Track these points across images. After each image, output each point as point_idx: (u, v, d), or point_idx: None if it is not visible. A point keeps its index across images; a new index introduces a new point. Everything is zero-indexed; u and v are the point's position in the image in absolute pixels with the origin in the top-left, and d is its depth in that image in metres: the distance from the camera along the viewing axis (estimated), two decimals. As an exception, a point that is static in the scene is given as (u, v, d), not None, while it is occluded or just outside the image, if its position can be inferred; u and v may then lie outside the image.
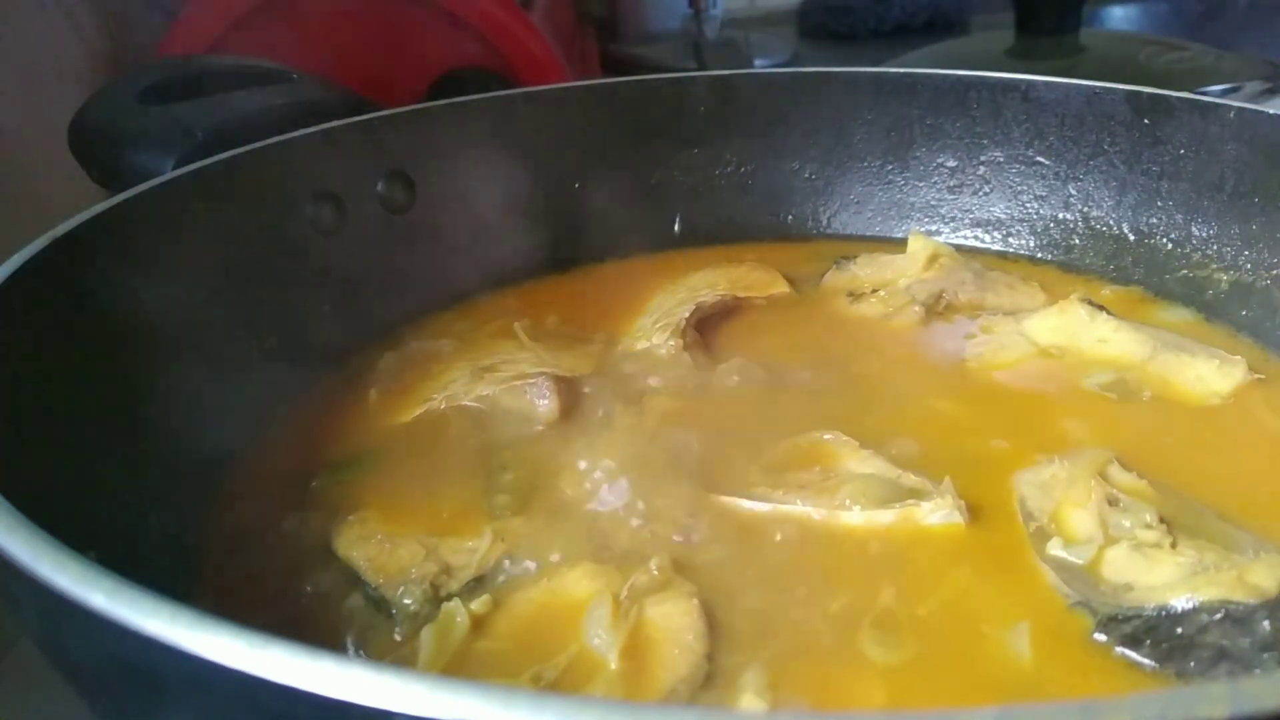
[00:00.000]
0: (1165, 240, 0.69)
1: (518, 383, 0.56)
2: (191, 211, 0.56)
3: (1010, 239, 0.76)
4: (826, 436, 0.51)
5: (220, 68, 0.74)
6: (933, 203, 0.78)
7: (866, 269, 0.71)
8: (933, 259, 0.70)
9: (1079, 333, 0.61)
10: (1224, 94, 0.98)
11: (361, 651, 0.41)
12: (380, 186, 0.69)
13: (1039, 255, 0.75)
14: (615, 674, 0.38)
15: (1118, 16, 1.82)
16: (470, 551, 0.45)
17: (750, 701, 0.36)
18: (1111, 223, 0.71)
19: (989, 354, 0.61)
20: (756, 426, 0.54)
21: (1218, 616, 0.38)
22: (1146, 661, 0.38)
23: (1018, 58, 1.18)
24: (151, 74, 0.67)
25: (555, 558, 0.45)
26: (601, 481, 0.49)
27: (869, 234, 0.79)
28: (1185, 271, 0.67)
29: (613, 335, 0.65)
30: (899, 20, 1.76)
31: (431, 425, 0.56)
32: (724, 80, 0.80)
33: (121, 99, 0.64)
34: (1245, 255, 0.64)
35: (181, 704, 0.26)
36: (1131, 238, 0.70)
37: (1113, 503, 0.44)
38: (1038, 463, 0.49)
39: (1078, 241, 0.73)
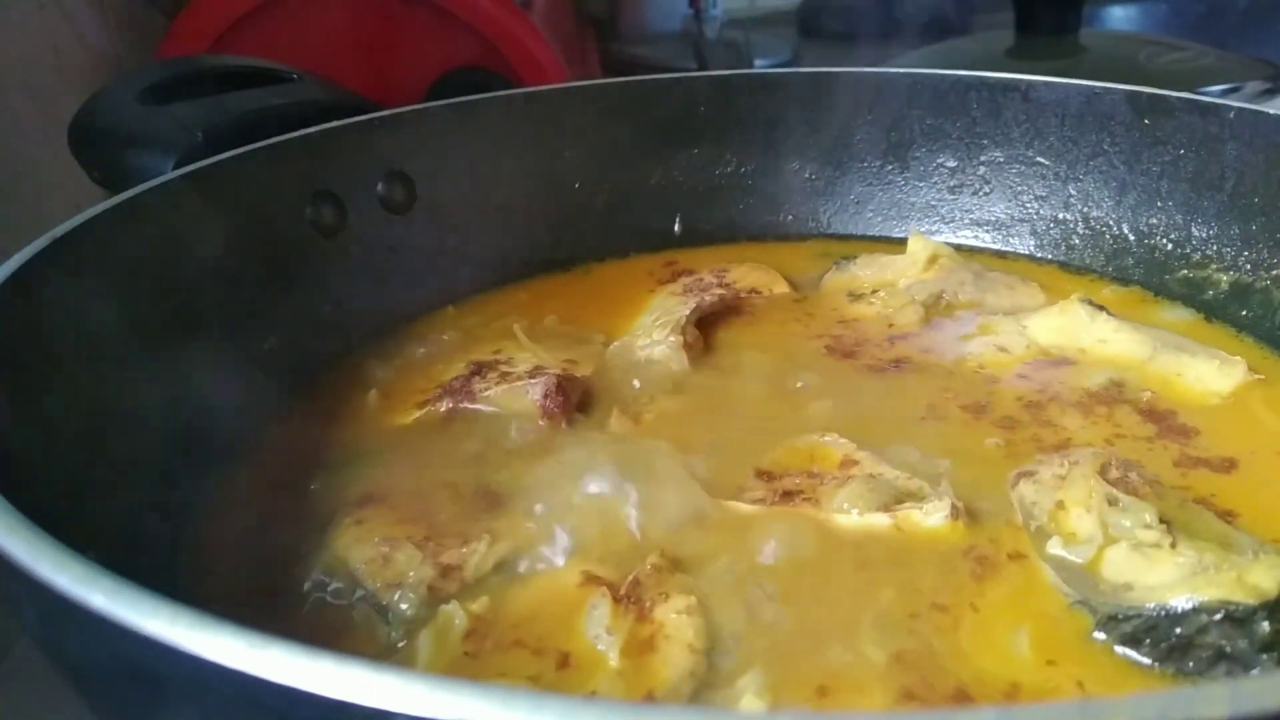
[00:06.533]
0: (1165, 240, 0.69)
1: (518, 383, 0.56)
2: (191, 211, 0.56)
3: (1010, 239, 0.76)
4: (824, 438, 0.52)
5: (220, 68, 0.74)
6: (933, 203, 0.78)
7: (866, 269, 0.71)
8: (933, 259, 0.70)
9: (1079, 333, 0.61)
10: (1224, 94, 0.98)
11: (360, 653, 0.41)
12: (380, 186, 0.69)
13: (1039, 255, 0.75)
14: (615, 672, 0.38)
15: (1118, 16, 1.82)
16: (468, 553, 0.45)
17: (750, 702, 0.36)
18: (1111, 223, 0.71)
19: (989, 354, 0.61)
20: (755, 427, 0.54)
21: (1217, 617, 0.38)
22: (1146, 660, 0.38)
23: (1018, 58, 1.18)
24: (151, 74, 0.67)
25: (553, 557, 0.45)
26: (600, 481, 0.49)
27: (869, 234, 0.79)
28: (1185, 271, 0.67)
29: (612, 334, 0.65)
30: (899, 20, 1.76)
31: (431, 426, 0.56)
32: (724, 80, 0.80)
33: (121, 99, 0.64)
34: (1245, 255, 0.64)
35: (181, 704, 0.26)
36: (1131, 238, 0.70)
37: (1113, 503, 0.44)
38: (1036, 463, 0.49)
39: (1078, 241, 0.73)
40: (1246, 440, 0.52)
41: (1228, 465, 0.50)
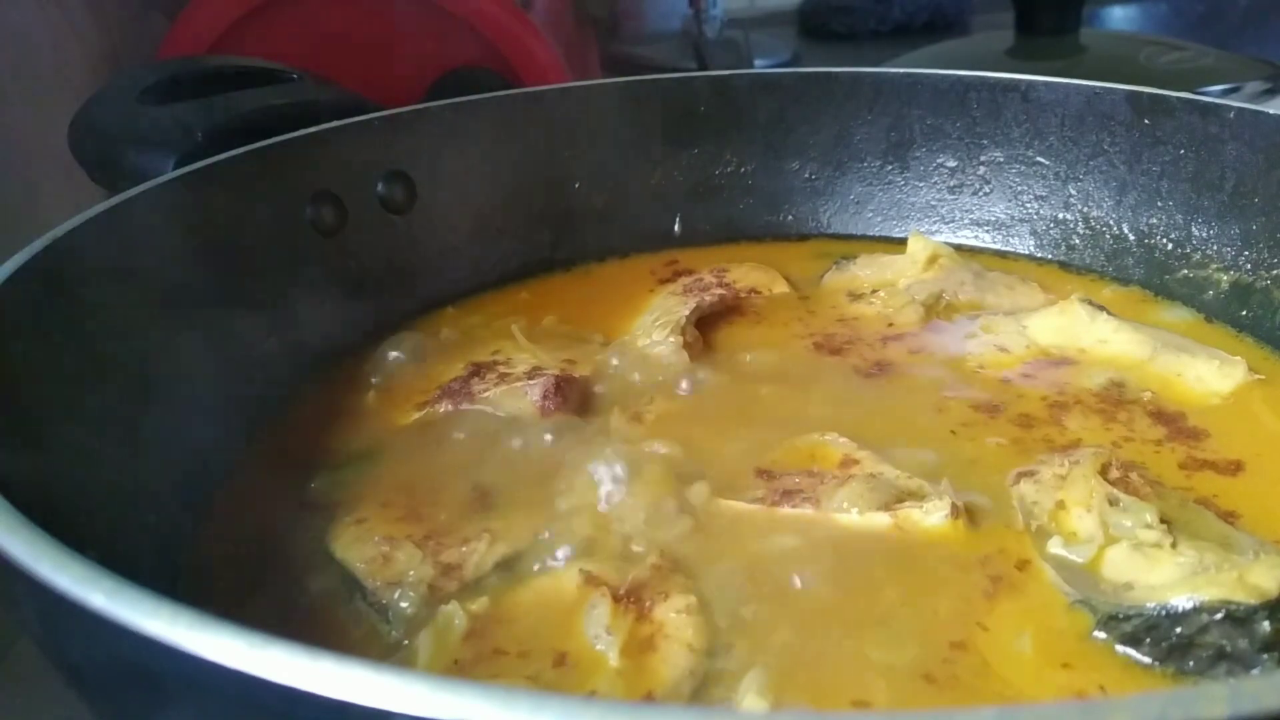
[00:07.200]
0: (1165, 240, 0.69)
1: (516, 384, 0.56)
2: (191, 212, 0.56)
3: (1010, 239, 0.76)
4: (825, 438, 0.52)
5: (220, 68, 0.74)
6: (933, 203, 0.78)
7: (866, 269, 0.71)
8: (932, 259, 0.70)
9: (1079, 333, 0.61)
10: (1224, 94, 0.98)
11: (361, 653, 0.41)
12: (380, 186, 0.69)
13: (1039, 255, 0.75)
14: (615, 672, 0.38)
15: (1118, 16, 1.83)
16: (468, 552, 0.45)
17: (753, 701, 0.36)
18: (1111, 223, 0.71)
19: (989, 354, 0.61)
20: (755, 427, 0.54)
21: (1218, 617, 0.38)
22: (1146, 660, 0.38)
23: (1018, 58, 1.18)
24: (151, 74, 0.67)
25: (553, 557, 0.45)
26: (600, 481, 0.49)
27: (869, 234, 0.79)
28: (1185, 271, 0.67)
29: (612, 335, 0.65)
30: (899, 20, 1.76)
31: (430, 426, 0.56)
32: (724, 80, 0.80)
33: (121, 99, 0.64)
34: (1245, 255, 0.64)
35: (181, 704, 0.26)
36: (1131, 238, 0.70)
37: (1113, 502, 0.44)
38: (1038, 462, 0.49)
39: (1078, 241, 0.73)
40: (1253, 442, 0.52)
41: (1234, 468, 0.50)
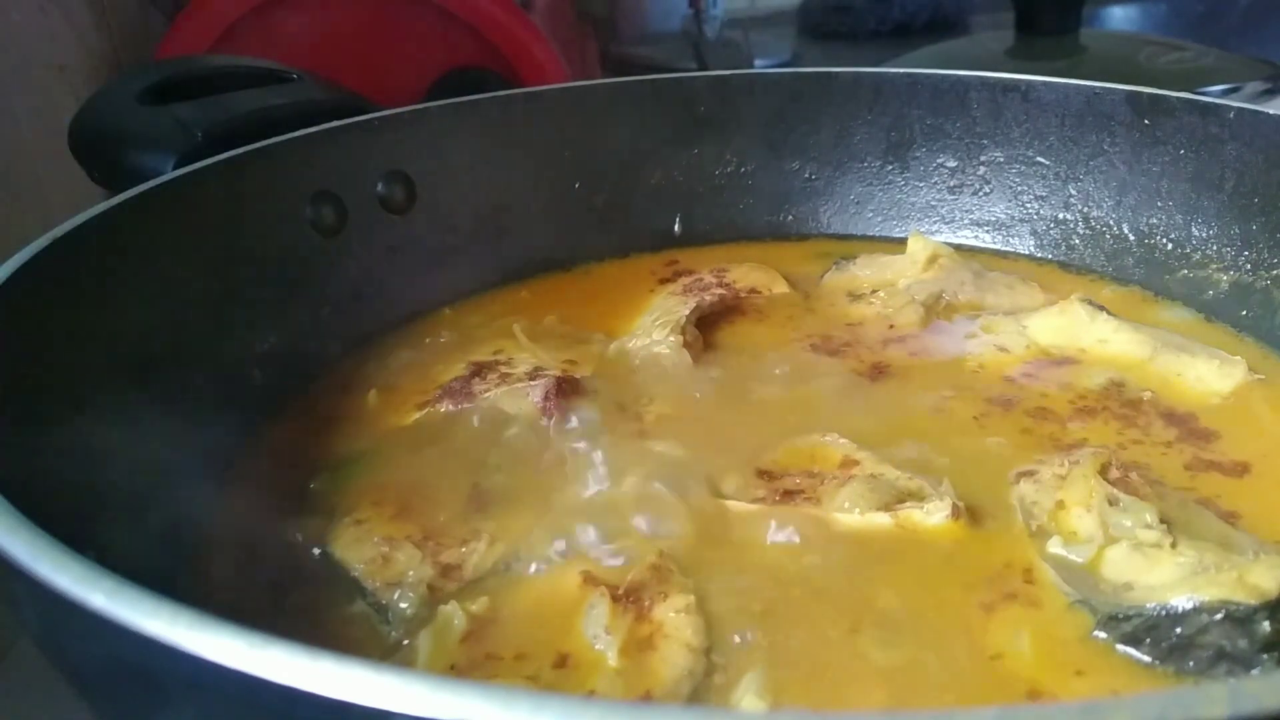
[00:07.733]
0: (1165, 240, 0.69)
1: (518, 384, 0.56)
2: (191, 212, 0.56)
3: (1010, 239, 0.76)
4: (825, 438, 0.51)
5: (220, 68, 0.74)
6: (933, 203, 0.78)
7: (866, 269, 0.71)
8: (932, 259, 0.70)
9: (1079, 333, 0.61)
10: (1224, 94, 0.98)
11: (361, 653, 0.41)
12: (380, 186, 0.69)
13: (1039, 255, 0.75)
14: (615, 672, 0.38)
15: (1118, 16, 1.83)
16: (468, 552, 0.45)
17: (751, 702, 0.36)
18: (1111, 223, 0.71)
19: (989, 354, 0.61)
20: (755, 427, 0.54)
21: (1218, 617, 0.38)
22: (1146, 659, 0.38)
23: (1018, 58, 1.18)
24: (151, 74, 0.67)
25: (553, 557, 0.45)
26: (600, 481, 0.49)
27: (869, 234, 0.79)
28: (1185, 271, 0.67)
29: (612, 334, 0.65)
30: (899, 20, 1.76)
31: (430, 426, 0.56)
32: (724, 80, 0.80)
33: (121, 99, 0.64)
34: (1245, 255, 0.64)
35: (181, 704, 0.26)
36: (1131, 238, 0.70)
37: (1113, 502, 0.44)
38: (1038, 462, 0.49)
39: (1078, 241, 0.73)
40: (1259, 443, 0.52)
41: (1240, 469, 0.50)
